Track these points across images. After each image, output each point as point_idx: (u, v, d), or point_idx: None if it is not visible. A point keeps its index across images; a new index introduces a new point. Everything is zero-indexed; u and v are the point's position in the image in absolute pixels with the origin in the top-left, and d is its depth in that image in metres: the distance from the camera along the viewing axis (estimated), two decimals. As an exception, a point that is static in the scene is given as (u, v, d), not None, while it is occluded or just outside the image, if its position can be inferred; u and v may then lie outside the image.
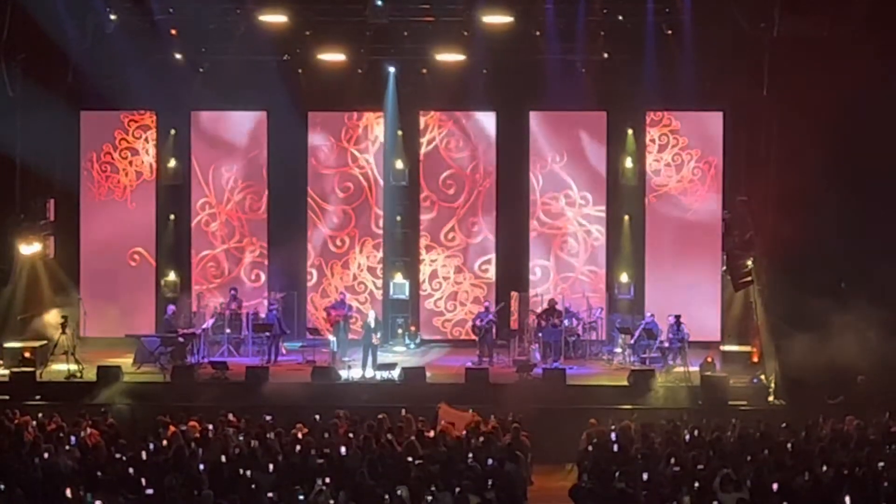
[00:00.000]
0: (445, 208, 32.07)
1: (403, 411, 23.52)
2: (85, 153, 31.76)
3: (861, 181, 26.99)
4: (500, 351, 29.78)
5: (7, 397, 26.11)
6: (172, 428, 22.04)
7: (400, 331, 31.65)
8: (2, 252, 29.63)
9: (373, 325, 28.82)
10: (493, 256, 32.01)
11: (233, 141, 32.01)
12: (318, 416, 23.21)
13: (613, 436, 21.95)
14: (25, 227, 29.85)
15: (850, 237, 26.92)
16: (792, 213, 26.98)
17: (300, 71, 31.17)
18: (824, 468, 19.47)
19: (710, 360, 27.60)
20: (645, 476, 18.97)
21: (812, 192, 26.67)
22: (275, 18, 29.04)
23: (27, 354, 27.99)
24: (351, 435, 21.68)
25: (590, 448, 21.56)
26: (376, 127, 32.04)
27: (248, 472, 19.31)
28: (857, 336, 25.57)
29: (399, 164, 31.96)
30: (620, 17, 29.07)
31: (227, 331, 30.24)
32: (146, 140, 31.95)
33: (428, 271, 32.13)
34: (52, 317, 29.15)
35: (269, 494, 17.92)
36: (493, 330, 29.48)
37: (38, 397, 26.31)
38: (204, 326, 29.85)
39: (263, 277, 32.00)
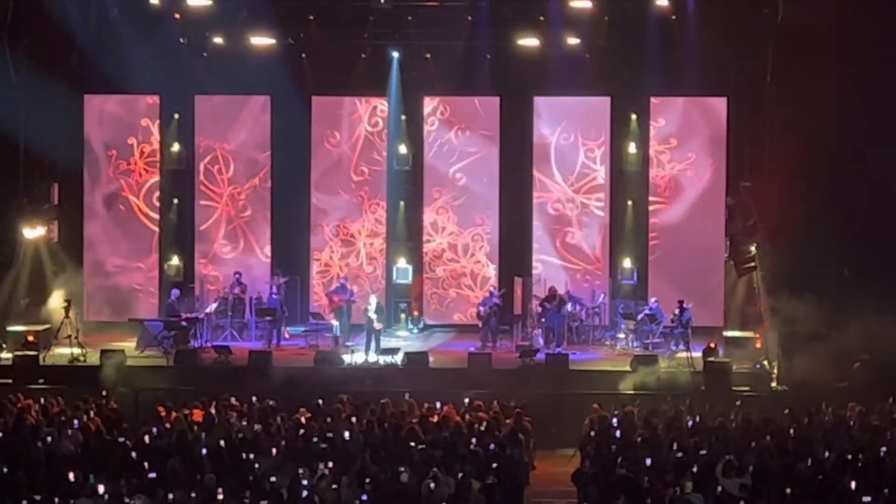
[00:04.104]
0: (447, 192, 32.02)
1: (407, 396, 23.59)
2: (89, 137, 31.71)
3: (866, 168, 26.92)
4: (504, 336, 29.79)
5: (10, 381, 26.10)
6: (174, 413, 22.09)
7: (403, 315, 31.64)
8: (5, 236, 29.61)
9: (373, 309, 28.79)
10: (496, 241, 31.96)
11: (236, 125, 31.95)
12: (321, 401, 23.18)
13: (616, 421, 21.99)
14: (29, 211, 29.84)
15: (854, 224, 26.88)
16: (795, 199, 26.96)
17: (304, 55, 31.18)
18: (827, 454, 19.52)
19: (713, 345, 27.58)
20: (647, 461, 19.02)
21: (816, 178, 26.63)
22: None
23: (30, 338, 27.98)
24: (354, 419, 21.74)
25: (592, 433, 21.60)
26: (380, 111, 32.03)
27: (251, 457, 19.37)
28: (860, 322, 25.58)
29: (402, 149, 31.93)
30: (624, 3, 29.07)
31: (230, 315, 30.25)
32: (150, 124, 31.89)
33: (431, 255, 32.12)
34: (56, 301, 29.18)
35: (272, 479, 17.95)
36: (497, 315, 29.49)
37: (41, 381, 26.31)
38: (207, 311, 29.85)
39: (267, 262, 31.94)
